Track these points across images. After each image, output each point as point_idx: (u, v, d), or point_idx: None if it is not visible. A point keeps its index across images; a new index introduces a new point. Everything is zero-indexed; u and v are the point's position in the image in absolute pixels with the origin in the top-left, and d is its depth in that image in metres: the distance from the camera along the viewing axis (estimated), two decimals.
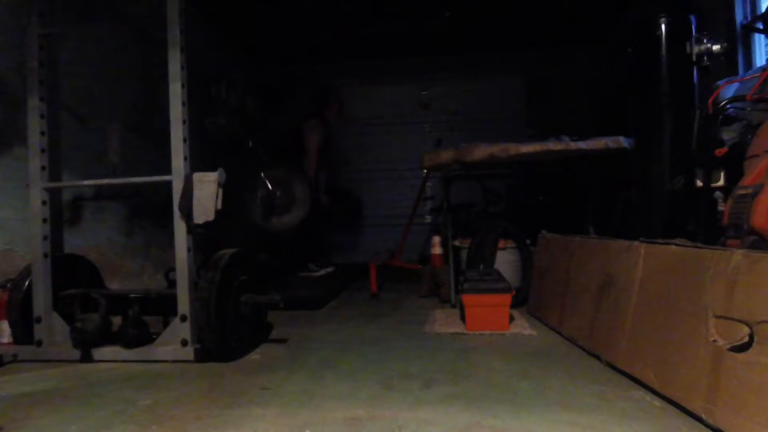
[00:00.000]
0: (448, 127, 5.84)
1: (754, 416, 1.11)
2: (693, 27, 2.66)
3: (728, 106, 2.24)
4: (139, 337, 2.07)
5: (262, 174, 3.48)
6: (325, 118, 4.55)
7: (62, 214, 2.70)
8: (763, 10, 2.92)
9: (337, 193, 5.25)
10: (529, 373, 1.76)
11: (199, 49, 3.76)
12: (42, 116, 2.17)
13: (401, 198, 5.72)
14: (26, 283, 2.15)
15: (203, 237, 2.11)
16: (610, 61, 4.48)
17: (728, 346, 1.22)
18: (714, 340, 1.27)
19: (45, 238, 2.14)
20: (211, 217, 2.01)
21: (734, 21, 3.12)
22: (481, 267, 3.14)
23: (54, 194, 2.34)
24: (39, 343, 2.09)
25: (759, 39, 3.06)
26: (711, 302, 1.30)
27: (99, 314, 2.02)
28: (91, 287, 2.30)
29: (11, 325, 2.17)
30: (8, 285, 2.20)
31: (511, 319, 2.51)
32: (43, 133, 2.17)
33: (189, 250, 2.04)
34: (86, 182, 2.55)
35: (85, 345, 2.03)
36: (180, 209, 2.02)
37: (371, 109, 6.08)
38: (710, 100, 2.32)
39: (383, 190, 6.05)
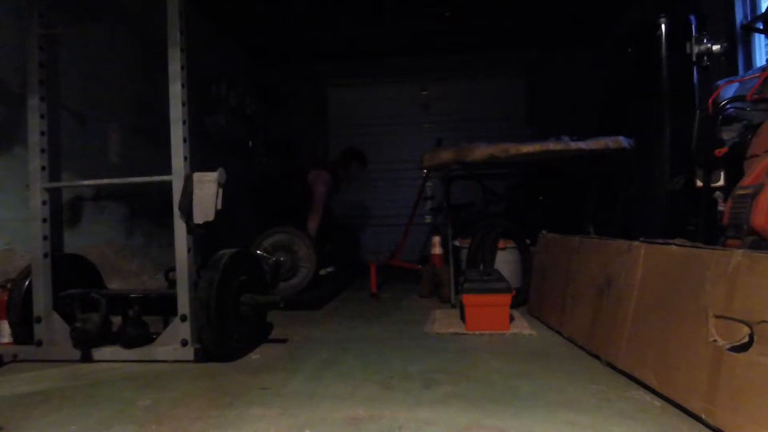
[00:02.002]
0: (448, 127, 5.84)
1: (754, 416, 1.11)
2: (693, 27, 2.66)
3: (728, 106, 2.24)
4: (139, 337, 2.07)
5: (266, 249, 3.51)
6: (338, 174, 4.35)
7: (62, 214, 2.70)
8: (763, 10, 2.92)
9: (338, 234, 5.17)
10: (529, 373, 1.76)
11: (199, 49, 3.76)
12: (42, 116, 2.17)
13: (401, 198, 5.72)
14: (26, 283, 2.15)
15: (203, 237, 2.11)
16: (610, 61, 4.48)
17: (728, 346, 1.22)
18: (714, 340, 1.27)
19: (45, 238, 2.14)
20: (211, 217, 2.01)
21: (734, 21, 3.13)
22: (481, 267, 3.14)
23: (54, 194, 2.34)
24: (39, 343, 2.09)
25: (759, 39, 3.06)
26: (711, 302, 1.30)
27: (99, 314, 2.02)
28: (91, 287, 2.30)
29: (11, 325, 2.17)
30: (8, 285, 2.20)
31: (511, 319, 2.51)
32: (43, 133, 2.17)
33: (189, 250, 2.04)
34: (86, 182, 2.55)
35: (85, 345, 2.03)
36: (180, 209, 2.02)
37: (371, 109, 6.08)
38: (710, 100, 2.32)
39: (383, 190, 6.05)
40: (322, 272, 4.48)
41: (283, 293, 3.36)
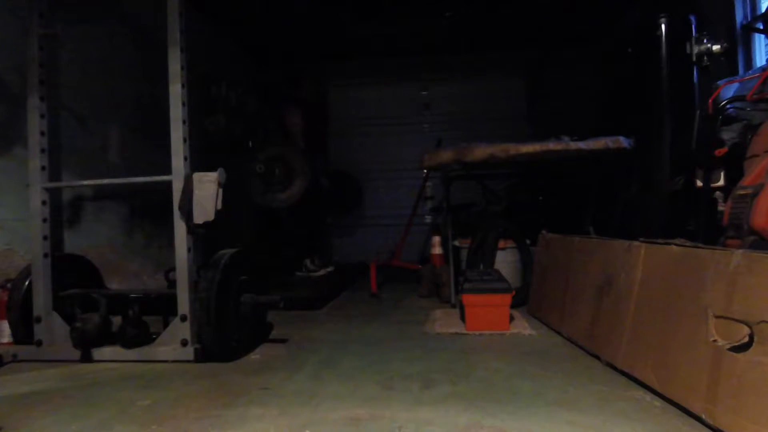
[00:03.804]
0: (448, 127, 5.84)
1: (754, 416, 1.11)
2: (693, 27, 2.66)
3: (728, 106, 2.24)
4: (139, 337, 2.07)
5: (258, 155, 3.50)
6: (301, 99, 4.52)
7: (62, 214, 2.70)
8: (763, 10, 2.92)
9: (336, 176, 5.20)
10: (529, 373, 1.76)
11: (199, 49, 3.76)
12: (42, 116, 2.17)
13: (401, 198, 5.72)
14: (26, 283, 2.15)
15: (203, 237, 2.11)
16: (610, 61, 4.48)
17: (728, 346, 1.22)
18: (714, 340, 1.27)
19: (45, 238, 2.14)
20: (211, 217, 2.01)
21: (734, 21, 3.13)
22: (481, 267, 3.14)
23: (54, 194, 2.34)
24: (39, 343, 2.09)
25: (759, 39, 3.06)
26: (711, 302, 1.30)
27: (99, 314, 2.02)
28: (91, 287, 2.30)
29: (11, 325, 2.17)
30: (8, 285, 2.20)
31: (511, 319, 2.51)
32: (43, 133, 2.17)
33: (189, 250, 2.04)
34: (86, 182, 2.55)
35: (85, 345, 2.03)
36: (180, 209, 2.02)
37: (371, 109, 6.08)
38: (710, 100, 2.32)
39: (383, 190, 6.05)
40: (323, 272, 4.49)
41: (279, 204, 3.35)
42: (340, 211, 5.74)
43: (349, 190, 5.79)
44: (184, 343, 2.00)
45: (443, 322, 2.65)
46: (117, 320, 2.12)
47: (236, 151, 4.70)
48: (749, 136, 2.01)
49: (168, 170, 2.06)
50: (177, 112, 2.07)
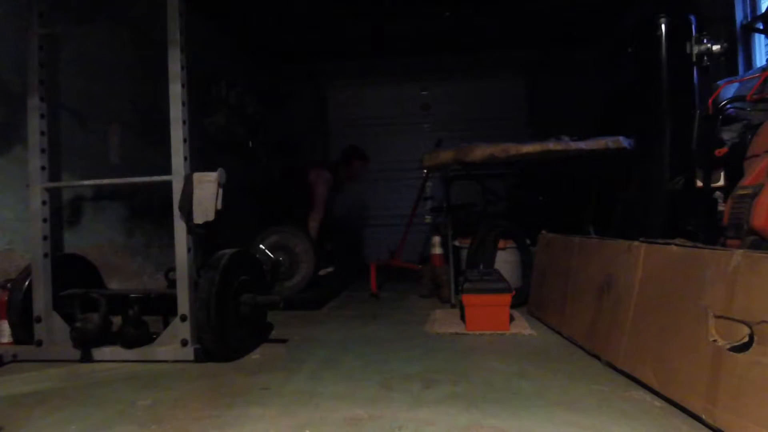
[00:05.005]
0: (448, 127, 5.84)
1: (754, 416, 1.11)
2: (693, 27, 2.66)
3: (728, 106, 2.24)
4: (139, 337, 2.07)
5: (264, 248, 3.49)
6: (339, 174, 4.33)
7: (62, 214, 2.70)
8: (763, 10, 2.93)
9: (339, 234, 5.15)
10: (529, 374, 1.76)
11: (199, 49, 3.77)
12: (42, 116, 2.17)
13: (401, 198, 5.71)
14: (26, 283, 2.15)
15: (203, 237, 2.11)
16: (610, 61, 4.48)
17: (728, 346, 1.22)
18: (714, 340, 1.27)
19: (45, 238, 2.14)
20: (211, 217, 2.01)
21: (734, 21, 3.13)
22: (481, 267, 3.14)
23: (54, 194, 2.34)
24: (39, 343, 2.09)
25: (759, 39, 3.07)
26: (711, 302, 1.30)
27: (99, 314, 2.02)
28: (91, 287, 2.30)
29: (11, 325, 2.17)
30: (8, 285, 2.20)
31: (511, 319, 2.51)
32: (43, 133, 2.17)
33: (189, 250, 2.04)
34: (86, 182, 2.55)
35: (85, 345, 2.03)
36: (180, 209, 2.02)
37: (371, 109, 6.08)
38: (710, 100, 2.33)
39: (383, 190, 6.05)
40: (322, 272, 4.49)
41: (283, 293, 3.36)
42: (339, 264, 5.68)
43: (350, 246, 5.72)
44: (184, 343, 2.00)
45: (443, 322, 2.65)
46: (117, 320, 2.12)
47: (236, 151, 4.71)
48: (749, 136, 2.01)
49: (168, 170, 2.06)
50: (177, 112, 2.06)
